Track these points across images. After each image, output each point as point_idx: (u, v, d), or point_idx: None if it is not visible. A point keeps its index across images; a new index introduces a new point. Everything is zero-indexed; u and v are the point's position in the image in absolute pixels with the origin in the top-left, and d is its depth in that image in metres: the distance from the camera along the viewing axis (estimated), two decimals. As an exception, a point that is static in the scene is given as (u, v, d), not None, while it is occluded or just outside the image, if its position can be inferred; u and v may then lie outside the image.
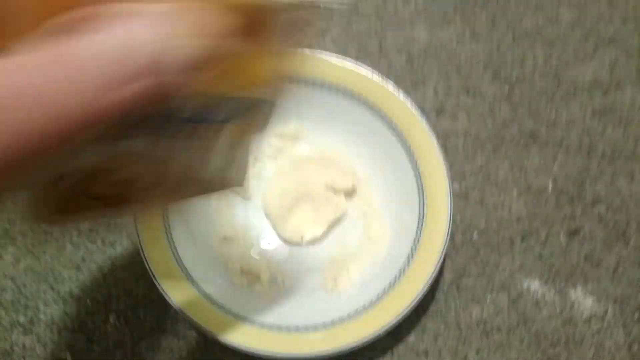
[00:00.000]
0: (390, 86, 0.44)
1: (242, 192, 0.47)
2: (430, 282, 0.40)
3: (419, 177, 0.43)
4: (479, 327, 0.44)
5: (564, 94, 0.52)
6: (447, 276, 0.46)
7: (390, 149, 0.45)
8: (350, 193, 0.47)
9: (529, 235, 0.47)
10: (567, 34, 0.55)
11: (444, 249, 0.40)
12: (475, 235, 0.47)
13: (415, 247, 0.41)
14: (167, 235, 0.41)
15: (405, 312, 0.39)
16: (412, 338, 0.44)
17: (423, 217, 0.42)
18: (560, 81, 0.53)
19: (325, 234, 0.46)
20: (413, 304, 0.40)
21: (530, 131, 0.51)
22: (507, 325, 0.45)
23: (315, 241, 0.46)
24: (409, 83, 0.52)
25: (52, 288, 0.44)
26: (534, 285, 0.46)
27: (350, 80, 0.45)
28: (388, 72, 0.49)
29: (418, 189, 0.43)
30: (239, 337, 0.39)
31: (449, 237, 0.41)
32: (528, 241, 0.47)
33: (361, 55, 0.53)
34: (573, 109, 0.52)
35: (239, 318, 0.40)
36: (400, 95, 0.44)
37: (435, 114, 0.51)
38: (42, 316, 0.43)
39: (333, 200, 0.46)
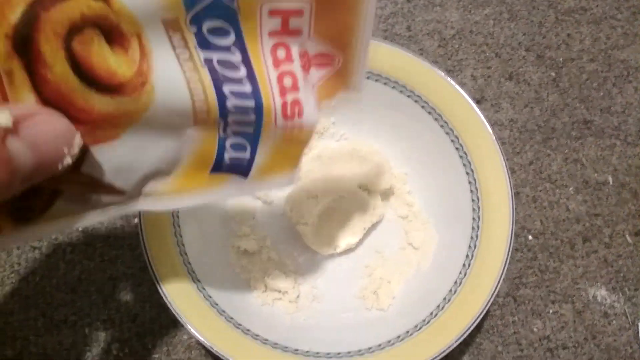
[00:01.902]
0: (432, 67, 0.38)
1: (263, 196, 0.40)
2: (491, 297, 0.34)
3: (471, 173, 0.37)
4: (541, 344, 0.38)
5: (617, 78, 0.47)
6: (502, 287, 0.40)
7: (433, 141, 0.39)
8: (386, 194, 0.41)
9: (592, 237, 0.41)
10: (614, 12, 0.49)
11: (507, 257, 0.34)
12: (530, 238, 0.41)
13: (472, 255, 0.35)
14: (178, 248, 0.35)
15: (463, 335, 0.33)
16: (466, 360, 0.38)
17: (479, 220, 0.36)
18: (612, 64, 0.47)
19: (360, 242, 0.40)
20: (473, 324, 0.33)
21: (583, 119, 0.45)
22: (573, 340, 0.39)
23: (349, 251, 0.39)
24: (443, 69, 0.46)
25: (43, 315, 0.37)
26: (601, 293, 0.40)
27: (382, 62, 0.38)
28: (419, 58, 0.44)
29: (470, 187, 0.37)
30: (269, 369, 0.32)
31: (512, 243, 0.35)
32: (591, 243, 0.41)
33: (389, 40, 0.47)
34: (628, 94, 0.46)
35: (267, 344, 0.34)
36: (445, 77, 0.37)
37: (474, 102, 0.45)
38: (32, 348, 0.37)
39: (368, 203, 0.39)
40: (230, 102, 0.23)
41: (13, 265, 0.39)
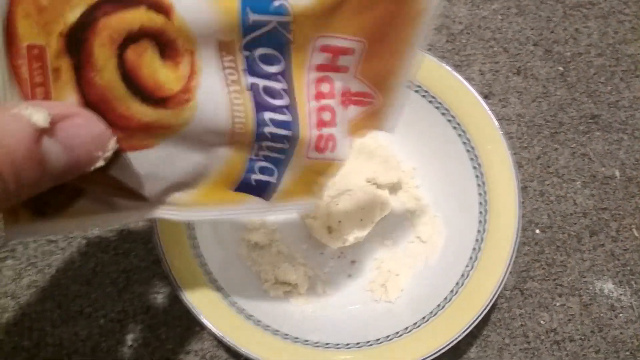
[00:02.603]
0: (439, 62, 0.39)
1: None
2: (498, 290, 0.34)
3: (478, 167, 0.37)
4: (548, 336, 0.39)
5: (624, 72, 0.47)
6: (509, 280, 0.40)
7: (441, 136, 0.39)
8: (394, 188, 0.41)
9: (599, 231, 0.42)
10: (622, 7, 0.50)
11: (514, 250, 0.35)
12: (537, 232, 0.41)
13: (479, 248, 0.36)
14: (191, 241, 0.35)
15: (470, 326, 0.34)
16: (473, 353, 0.38)
17: (486, 214, 0.36)
18: (619, 58, 0.47)
19: (369, 235, 0.40)
20: (479, 315, 0.34)
21: (590, 114, 0.45)
22: (580, 333, 0.39)
23: (357, 244, 0.40)
24: (451, 64, 0.46)
25: (59, 306, 0.38)
26: (608, 287, 0.40)
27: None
28: (427, 53, 0.44)
29: (478, 181, 0.37)
30: (280, 358, 0.33)
31: (518, 237, 0.35)
32: (598, 237, 0.42)
33: (397, 35, 0.47)
34: (635, 88, 0.46)
35: (277, 335, 0.34)
36: (453, 72, 0.38)
37: (482, 97, 0.45)
38: (48, 339, 0.38)
39: (376, 197, 0.40)
40: (268, 129, 0.23)
41: (29, 258, 0.40)
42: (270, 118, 0.23)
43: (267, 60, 0.22)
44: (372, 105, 0.26)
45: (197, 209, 0.25)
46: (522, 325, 0.39)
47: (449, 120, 0.38)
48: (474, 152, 0.37)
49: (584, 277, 0.40)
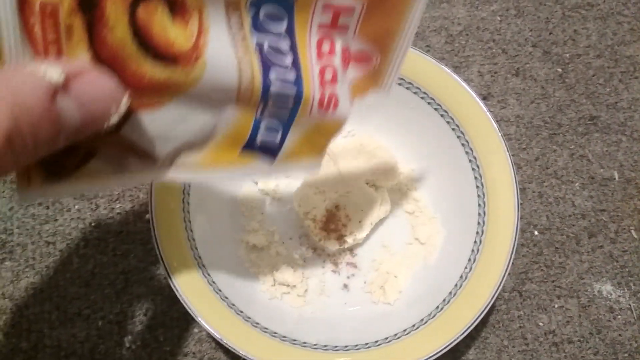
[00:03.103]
0: (438, 63, 0.38)
1: (272, 192, 0.41)
2: (496, 291, 0.34)
3: (477, 169, 0.37)
4: (547, 338, 0.39)
5: (623, 74, 0.47)
6: (508, 282, 0.40)
7: (440, 137, 0.39)
8: (393, 190, 0.41)
9: (597, 232, 0.42)
10: (621, 8, 0.50)
11: (512, 252, 0.35)
12: (536, 234, 0.41)
13: (478, 250, 0.36)
14: (189, 242, 0.35)
15: (469, 328, 0.34)
16: (471, 355, 0.39)
17: (484, 215, 0.36)
18: (618, 59, 0.47)
19: (368, 237, 0.40)
20: (478, 317, 0.34)
21: (589, 115, 0.45)
22: (578, 335, 0.39)
23: (356, 246, 0.40)
24: (450, 65, 0.46)
25: (57, 308, 0.38)
26: (607, 289, 0.40)
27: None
28: (426, 54, 0.44)
29: (476, 182, 0.37)
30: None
31: (517, 238, 0.35)
32: (596, 239, 0.42)
33: (396, 36, 0.47)
34: (634, 89, 0.46)
35: (275, 337, 0.34)
36: (452, 74, 0.38)
37: (481, 99, 0.45)
38: (47, 341, 0.38)
39: (375, 198, 0.40)
40: (274, 87, 0.23)
41: (28, 260, 0.39)
42: (277, 76, 0.23)
43: (272, 18, 0.22)
44: (371, 65, 0.26)
45: (205, 171, 0.25)
46: (520, 327, 0.39)
47: (448, 122, 0.38)
48: (473, 154, 0.37)
49: (583, 278, 0.40)
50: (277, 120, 0.25)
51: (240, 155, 0.26)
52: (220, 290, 0.35)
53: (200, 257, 0.35)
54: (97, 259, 0.39)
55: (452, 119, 0.38)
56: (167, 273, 0.34)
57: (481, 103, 0.37)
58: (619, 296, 0.40)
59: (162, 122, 0.22)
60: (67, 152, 0.20)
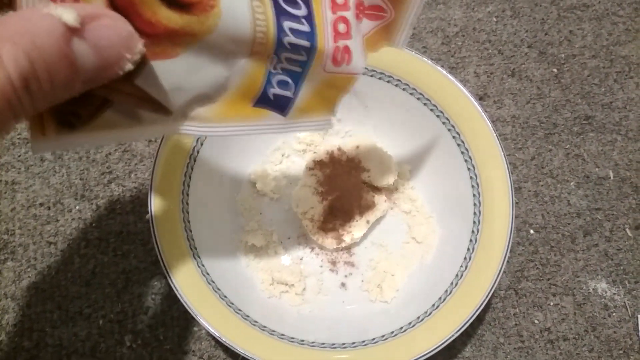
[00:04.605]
0: (434, 65, 0.39)
1: (270, 193, 0.42)
2: (492, 289, 0.35)
3: (472, 168, 0.38)
4: (542, 335, 0.39)
5: (618, 74, 0.47)
6: (504, 279, 0.41)
7: (436, 138, 0.39)
8: (390, 189, 0.42)
9: (592, 231, 0.42)
10: (616, 9, 0.50)
11: (507, 251, 0.35)
12: (532, 232, 0.42)
13: (473, 248, 0.36)
14: (188, 242, 0.36)
15: (465, 325, 0.34)
16: (468, 352, 0.39)
17: (480, 215, 0.37)
18: (613, 60, 0.48)
19: (365, 236, 0.41)
20: (473, 315, 0.34)
21: (584, 115, 0.46)
22: (574, 332, 0.40)
23: (354, 245, 0.41)
24: (447, 66, 0.47)
25: (59, 307, 0.39)
26: (601, 286, 0.41)
27: (387, 61, 0.39)
28: (423, 55, 0.44)
29: (472, 182, 0.38)
30: (277, 358, 0.33)
31: (512, 237, 0.35)
32: (591, 237, 0.42)
33: (393, 38, 0.48)
34: (629, 89, 0.47)
35: (274, 335, 0.35)
36: (447, 75, 0.38)
37: (477, 99, 0.46)
38: (48, 339, 0.38)
39: (372, 198, 0.40)
40: (287, 39, 0.23)
41: (29, 260, 0.40)
42: (290, 28, 0.23)
43: None
44: (385, 19, 0.27)
45: (218, 124, 0.25)
46: (516, 324, 0.40)
47: (444, 123, 0.39)
48: (469, 154, 0.38)
49: (578, 276, 0.41)
50: (289, 73, 0.25)
51: (253, 109, 0.26)
52: (219, 289, 0.35)
53: (199, 257, 0.36)
54: (98, 259, 0.40)
55: (447, 119, 0.39)
56: (167, 273, 0.34)
57: (477, 104, 0.38)
58: (614, 294, 0.41)
59: (176, 73, 0.22)
60: (82, 101, 0.20)
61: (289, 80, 0.25)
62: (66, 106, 0.19)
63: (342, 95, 0.27)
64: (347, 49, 0.25)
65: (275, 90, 0.25)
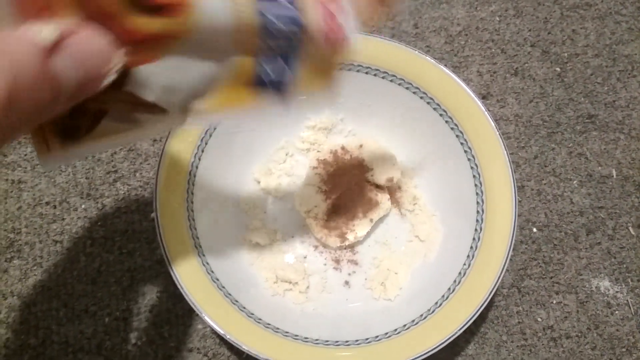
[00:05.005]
0: (437, 64, 0.39)
1: (274, 192, 0.42)
2: (495, 287, 0.35)
3: (475, 167, 0.38)
4: (545, 333, 0.39)
5: (621, 72, 0.48)
6: (507, 278, 0.41)
7: (439, 136, 0.40)
8: (393, 188, 0.42)
9: (595, 229, 0.42)
10: (619, 7, 0.50)
11: (509, 249, 0.35)
12: (535, 231, 0.42)
13: (476, 247, 0.36)
14: (193, 241, 0.36)
15: (467, 323, 0.34)
16: (471, 350, 0.39)
17: (482, 213, 0.37)
18: (616, 58, 0.48)
19: (368, 234, 0.41)
20: (476, 313, 0.34)
21: (587, 114, 0.46)
22: (576, 330, 0.40)
23: (357, 243, 0.41)
24: (450, 65, 0.47)
25: (65, 305, 0.39)
26: (604, 284, 0.41)
27: (389, 60, 0.40)
28: (426, 55, 0.45)
29: (475, 181, 0.38)
30: (281, 356, 0.34)
31: (514, 235, 0.35)
32: (594, 235, 0.42)
33: (396, 37, 0.48)
34: (632, 88, 0.47)
35: (278, 332, 0.35)
36: (450, 74, 0.38)
37: (480, 98, 0.46)
38: (54, 337, 0.38)
39: (375, 197, 0.41)
40: (272, 25, 0.23)
41: (36, 259, 0.40)
42: (274, 13, 0.23)
43: None
44: None
45: (220, 113, 0.26)
46: (519, 322, 0.40)
47: (447, 121, 0.39)
48: (472, 153, 0.38)
49: (581, 274, 0.41)
50: (281, 55, 0.25)
51: (250, 95, 0.26)
52: (223, 287, 0.36)
53: (204, 255, 0.36)
54: (103, 257, 0.40)
55: (450, 118, 0.39)
56: (172, 271, 0.34)
57: (479, 103, 0.38)
58: (617, 292, 0.41)
59: (164, 74, 0.22)
60: (77, 114, 0.20)
61: (282, 61, 0.25)
62: (64, 120, 0.19)
63: (339, 66, 0.27)
64: (337, 22, 0.25)
65: (270, 73, 0.25)
